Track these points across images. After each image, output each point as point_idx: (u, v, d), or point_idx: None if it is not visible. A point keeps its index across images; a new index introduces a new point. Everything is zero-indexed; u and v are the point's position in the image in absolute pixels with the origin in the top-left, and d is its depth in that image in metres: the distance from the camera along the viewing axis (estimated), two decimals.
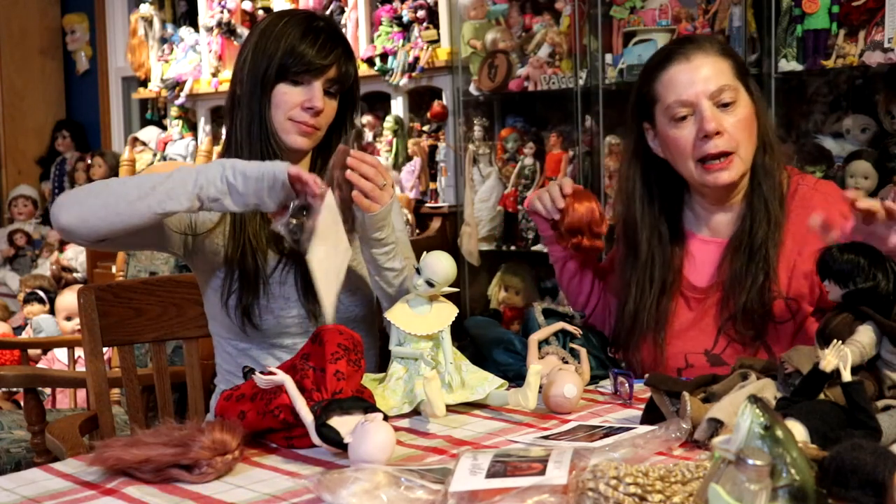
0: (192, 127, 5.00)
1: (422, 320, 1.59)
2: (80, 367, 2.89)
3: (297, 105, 1.76)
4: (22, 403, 2.52)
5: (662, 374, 1.60)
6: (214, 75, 4.70)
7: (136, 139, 5.04)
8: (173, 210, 1.56)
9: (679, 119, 1.74)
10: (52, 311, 4.09)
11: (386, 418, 1.30)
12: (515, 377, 1.70)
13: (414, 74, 3.85)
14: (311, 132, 1.79)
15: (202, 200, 1.55)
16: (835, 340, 1.29)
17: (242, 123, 1.80)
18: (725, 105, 1.72)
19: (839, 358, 1.25)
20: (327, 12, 4.05)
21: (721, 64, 1.74)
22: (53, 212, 1.61)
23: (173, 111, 4.99)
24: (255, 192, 1.53)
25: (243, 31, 4.56)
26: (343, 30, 3.58)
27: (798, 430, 1.14)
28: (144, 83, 5.17)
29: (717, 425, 1.29)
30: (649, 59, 1.86)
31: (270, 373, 1.37)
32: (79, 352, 3.04)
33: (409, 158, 3.97)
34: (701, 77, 1.72)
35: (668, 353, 1.81)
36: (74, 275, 4.81)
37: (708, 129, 1.70)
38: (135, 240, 1.73)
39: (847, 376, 1.24)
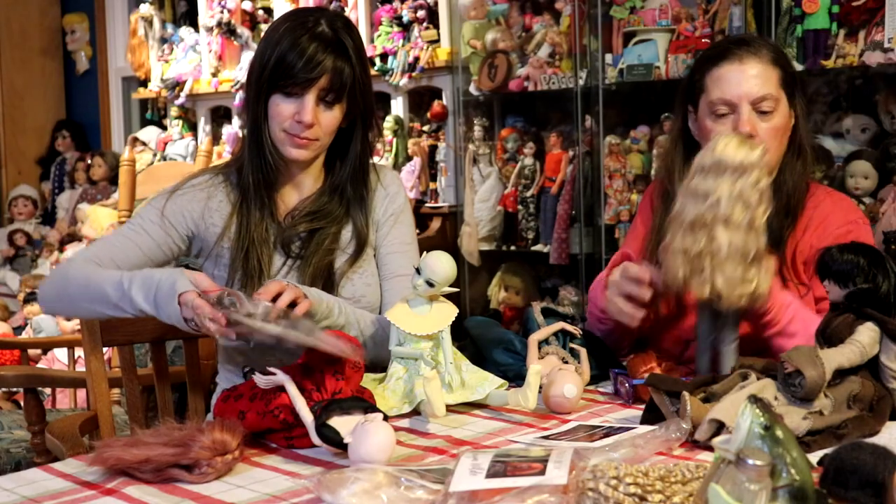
0: (192, 127, 5.00)
1: (422, 320, 1.59)
2: (80, 367, 2.89)
3: (289, 117, 1.74)
4: (22, 403, 2.52)
5: (663, 374, 1.61)
6: (214, 75, 4.70)
7: (136, 139, 5.03)
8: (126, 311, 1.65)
9: (720, 115, 1.84)
10: None
11: (386, 418, 1.30)
12: (515, 377, 1.70)
13: (414, 74, 3.85)
14: (307, 144, 1.76)
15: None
16: None
17: (248, 129, 1.81)
18: (764, 112, 1.81)
19: None
20: None
21: (770, 72, 1.83)
22: (39, 302, 1.83)
23: (173, 111, 4.99)
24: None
25: (243, 31, 4.57)
26: None
27: None
28: (144, 83, 5.17)
29: (717, 425, 1.30)
30: (707, 49, 1.97)
31: (270, 373, 1.37)
32: (79, 352, 3.04)
33: (409, 158, 3.97)
34: (748, 82, 1.82)
35: (686, 324, 1.85)
36: None
37: (742, 132, 1.78)
38: None
39: None
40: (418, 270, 1.59)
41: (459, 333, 1.75)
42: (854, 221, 1.85)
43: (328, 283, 1.79)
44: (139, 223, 1.80)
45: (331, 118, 1.77)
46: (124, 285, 1.62)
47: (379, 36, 3.96)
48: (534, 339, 1.71)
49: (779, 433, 0.96)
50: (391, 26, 3.92)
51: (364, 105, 1.81)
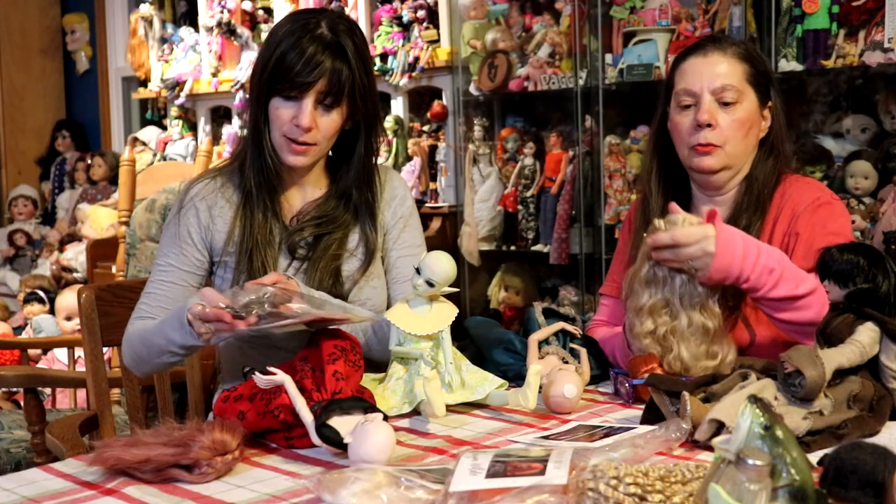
0: (192, 127, 5.00)
1: (422, 320, 1.59)
2: (80, 367, 2.89)
3: (288, 121, 1.73)
4: (22, 403, 2.52)
5: (663, 374, 1.61)
6: (214, 75, 4.70)
7: (136, 139, 5.04)
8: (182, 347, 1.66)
9: (683, 107, 1.86)
10: (52, 311, 4.09)
11: (386, 418, 1.30)
12: (515, 377, 1.70)
13: (414, 74, 3.85)
14: (305, 150, 1.75)
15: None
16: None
17: (249, 133, 1.80)
18: (726, 104, 1.83)
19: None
20: None
21: (734, 66, 1.84)
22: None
23: (173, 111, 4.99)
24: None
25: (243, 31, 4.57)
26: None
27: None
28: (144, 83, 5.17)
29: (717, 425, 1.30)
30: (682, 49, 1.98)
31: (270, 373, 1.37)
32: (79, 352, 3.04)
33: (409, 158, 3.97)
34: (710, 72, 1.84)
35: None
36: (74, 275, 4.81)
37: (700, 120, 1.82)
38: None
39: None
40: (418, 270, 1.59)
41: (459, 333, 1.75)
42: (819, 198, 1.82)
43: (335, 286, 1.78)
44: (164, 260, 1.81)
45: (329, 122, 1.75)
46: (163, 331, 1.65)
47: (379, 36, 3.96)
48: (534, 339, 1.71)
49: (779, 433, 0.96)
50: (391, 26, 3.92)
51: (366, 108, 1.80)
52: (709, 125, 1.81)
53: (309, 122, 1.71)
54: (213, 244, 1.81)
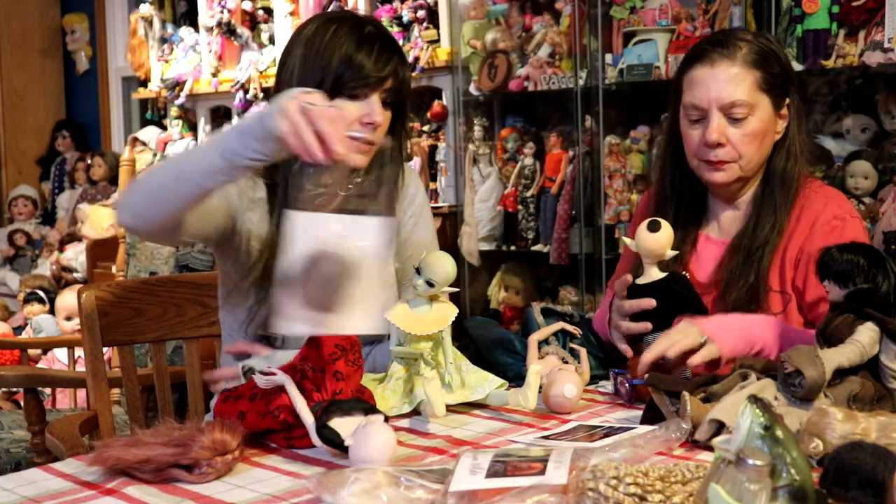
0: (192, 127, 5.00)
1: (422, 320, 1.59)
2: (80, 367, 2.89)
3: (354, 121, 1.69)
4: (22, 403, 2.52)
5: (663, 374, 1.61)
6: (214, 75, 4.70)
7: (136, 139, 5.03)
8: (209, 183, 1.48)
9: (692, 120, 1.79)
10: (52, 311, 4.09)
11: (386, 419, 1.30)
12: (515, 377, 1.70)
13: (414, 74, 3.85)
14: (369, 149, 1.71)
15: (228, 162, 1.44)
16: None
17: None
18: (735, 119, 1.76)
19: None
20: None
21: (744, 76, 1.76)
22: (117, 215, 1.66)
23: (173, 111, 4.99)
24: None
25: (243, 31, 4.57)
26: None
27: None
28: (144, 83, 5.17)
29: (717, 425, 1.30)
30: (691, 48, 1.89)
31: (270, 373, 1.37)
32: (79, 352, 3.04)
33: (409, 158, 3.97)
34: (717, 87, 1.75)
35: None
36: (74, 275, 4.82)
37: (709, 140, 1.76)
38: (197, 224, 1.62)
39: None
40: (418, 270, 1.59)
41: (459, 333, 1.75)
42: (840, 217, 1.77)
43: None
44: None
45: (387, 121, 1.74)
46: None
47: None
48: (534, 339, 1.71)
49: (779, 433, 0.96)
50: (391, 26, 3.91)
51: (404, 109, 1.79)
52: (719, 144, 1.76)
53: (381, 119, 1.70)
54: (235, 220, 1.74)
